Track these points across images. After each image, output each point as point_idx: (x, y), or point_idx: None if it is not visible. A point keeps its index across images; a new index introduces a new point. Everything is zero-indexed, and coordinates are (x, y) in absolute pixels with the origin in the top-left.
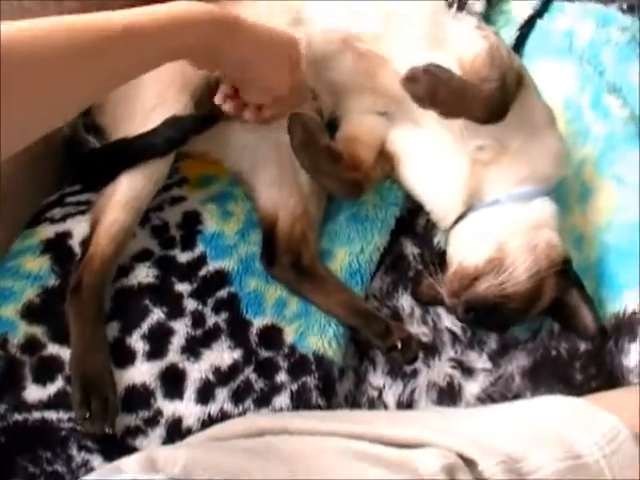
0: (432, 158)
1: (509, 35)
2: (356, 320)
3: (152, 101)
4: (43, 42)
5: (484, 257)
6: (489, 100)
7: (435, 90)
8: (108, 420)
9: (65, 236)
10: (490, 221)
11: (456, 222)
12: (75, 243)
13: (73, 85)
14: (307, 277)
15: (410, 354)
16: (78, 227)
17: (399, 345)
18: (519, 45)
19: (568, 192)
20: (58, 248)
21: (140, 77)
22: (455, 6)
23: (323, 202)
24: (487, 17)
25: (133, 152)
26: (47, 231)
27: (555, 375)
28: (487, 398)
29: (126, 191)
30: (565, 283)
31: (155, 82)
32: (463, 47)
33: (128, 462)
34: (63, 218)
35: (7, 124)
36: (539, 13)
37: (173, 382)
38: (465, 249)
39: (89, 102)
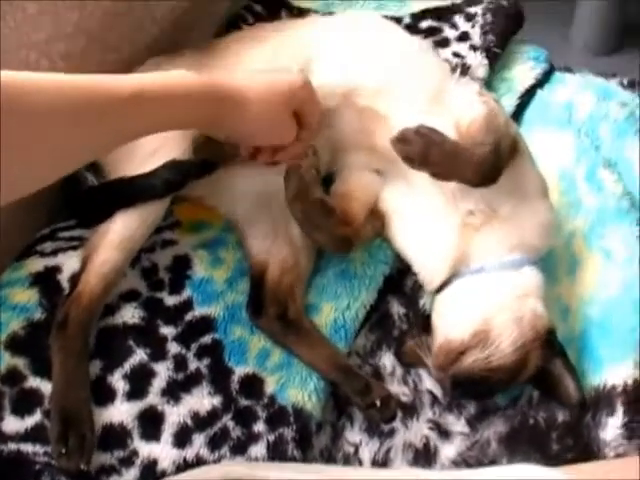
0: (422, 220)
1: (509, 103)
2: (337, 375)
3: (153, 144)
4: (49, 97)
5: (469, 331)
6: (481, 164)
7: (427, 152)
8: (84, 457)
9: (54, 270)
10: (475, 290)
11: (442, 287)
12: (64, 278)
13: (75, 143)
14: (292, 329)
15: (388, 413)
16: (68, 262)
17: (378, 403)
18: (518, 113)
19: (557, 262)
20: (47, 282)
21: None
22: (458, 70)
23: (313, 256)
24: (489, 83)
25: (131, 192)
26: (37, 264)
27: (532, 443)
28: (462, 462)
29: (120, 231)
30: (549, 353)
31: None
32: (462, 110)
33: None
34: (54, 252)
35: (5, 173)
36: (540, 83)
37: (151, 424)
38: (450, 320)
39: (89, 160)
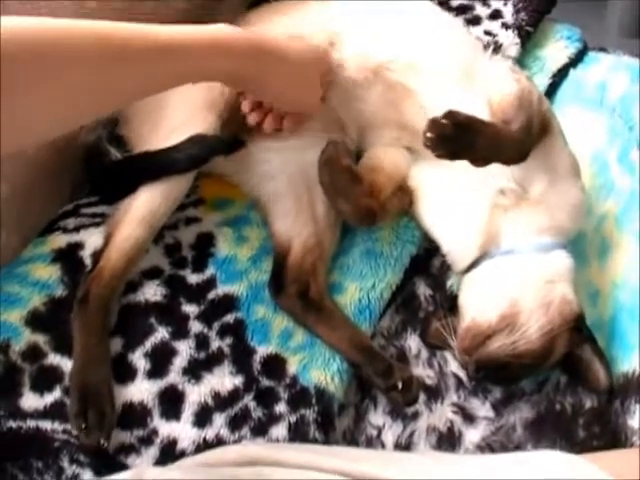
0: (452, 198)
1: (541, 82)
2: (358, 357)
3: (178, 118)
4: (74, 42)
5: (497, 313)
6: (513, 142)
7: (468, 144)
8: (104, 433)
9: (77, 247)
10: (505, 272)
11: (470, 267)
12: (86, 255)
13: (100, 88)
14: (313, 309)
15: (410, 396)
16: (90, 239)
17: (399, 386)
18: (551, 93)
19: (587, 246)
20: (69, 258)
21: (169, 93)
22: (491, 48)
23: (337, 236)
24: (521, 62)
25: (154, 166)
26: (59, 240)
27: (558, 430)
28: (487, 447)
29: (143, 207)
30: (577, 338)
31: (183, 99)
32: (494, 87)
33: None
34: (76, 228)
35: (20, 114)
36: (573, 62)
37: (171, 403)
38: (478, 302)
39: (112, 108)
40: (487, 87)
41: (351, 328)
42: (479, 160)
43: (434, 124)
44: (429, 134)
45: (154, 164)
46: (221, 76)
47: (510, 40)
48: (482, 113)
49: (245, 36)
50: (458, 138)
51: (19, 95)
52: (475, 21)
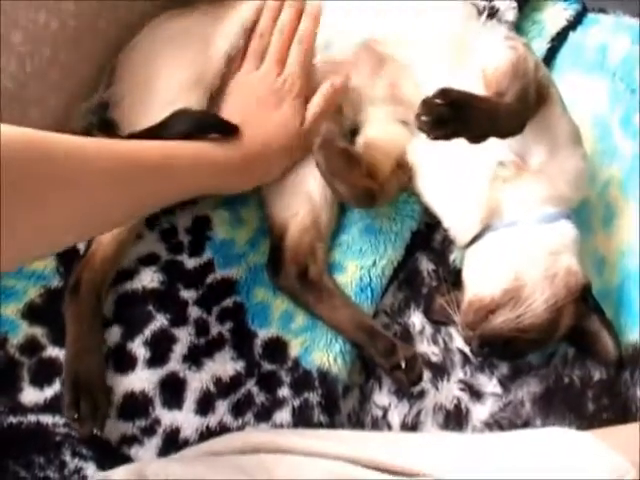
0: (451, 171)
1: (540, 46)
2: (360, 336)
3: (169, 96)
4: (76, 163)
5: (501, 287)
6: (509, 114)
7: (464, 124)
8: (97, 423)
9: None
10: (508, 244)
11: (473, 240)
12: (82, 245)
13: (104, 207)
14: (313, 290)
15: (413, 375)
16: None
17: (403, 365)
18: (550, 57)
19: (591, 213)
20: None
21: (156, 74)
22: (485, 14)
23: (335, 215)
24: (519, 27)
25: None
26: None
27: (566, 403)
28: (495, 424)
29: None
30: (584, 310)
31: (169, 79)
32: (488, 57)
33: (117, 474)
34: None
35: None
36: (572, 25)
37: (173, 391)
38: (481, 276)
39: (112, 226)
40: (481, 57)
41: (352, 308)
42: (476, 137)
43: (428, 106)
44: (424, 117)
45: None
46: (219, 190)
47: (507, 4)
48: (476, 84)
49: (225, 154)
50: (452, 117)
51: (24, 208)
52: None
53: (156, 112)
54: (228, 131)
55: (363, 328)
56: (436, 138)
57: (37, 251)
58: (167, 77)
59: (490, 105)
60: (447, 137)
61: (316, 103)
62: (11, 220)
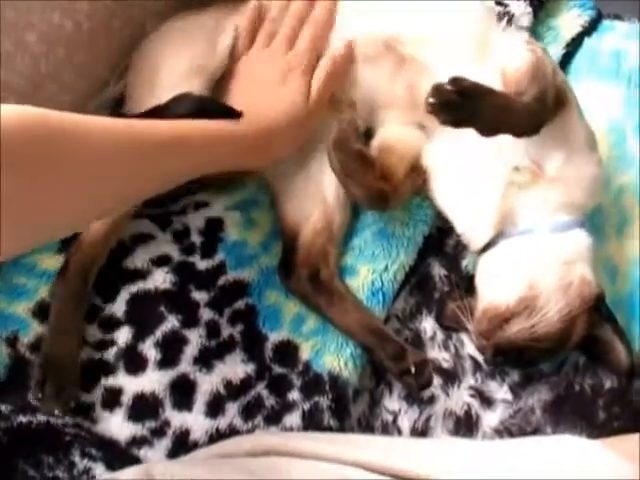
0: (466, 176)
1: (555, 52)
2: (370, 340)
3: (172, 79)
4: (94, 142)
5: (515, 296)
6: (525, 113)
7: (473, 110)
8: (59, 405)
9: None
10: (522, 252)
11: (486, 247)
12: None
13: (113, 183)
14: (324, 293)
15: (423, 380)
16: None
17: (412, 369)
18: (565, 63)
19: (605, 220)
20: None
21: (163, 62)
22: (505, 19)
23: (348, 217)
24: (534, 32)
25: None
26: None
27: (577, 412)
28: (505, 430)
29: None
30: (597, 319)
31: (173, 61)
32: (508, 59)
33: (125, 475)
34: None
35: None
36: (587, 31)
37: (183, 393)
38: (496, 284)
39: (125, 205)
40: (501, 59)
41: (363, 311)
42: (486, 129)
43: (437, 90)
44: (431, 99)
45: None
46: (222, 166)
47: (522, 10)
48: (496, 85)
49: (241, 130)
50: (462, 104)
51: (33, 183)
52: None
53: (160, 98)
54: (230, 115)
55: (373, 332)
56: (444, 123)
57: (47, 233)
58: (172, 65)
59: (502, 99)
60: (455, 123)
61: (319, 77)
62: (16, 200)
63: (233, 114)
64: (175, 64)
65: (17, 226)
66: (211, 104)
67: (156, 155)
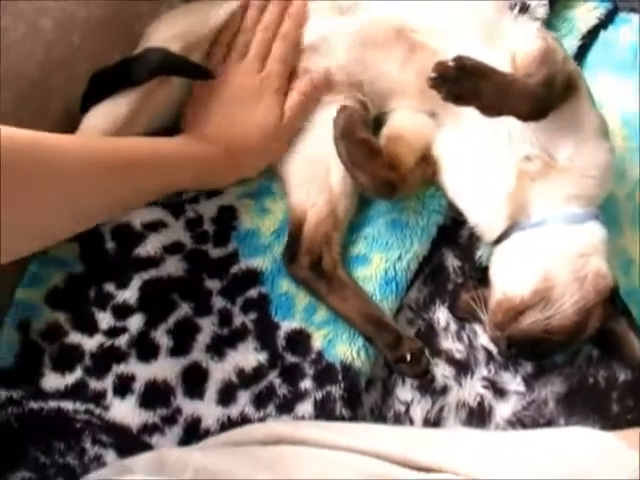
0: (477, 166)
1: (571, 44)
2: (368, 328)
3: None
4: (73, 161)
5: (530, 288)
6: (532, 95)
7: (473, 86)
8: None
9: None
10: (537, 244)
11: (500, 238)
12: (107, 230)
13: (85, 200)
14: (325, 280)
15: (418, 368)
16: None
17: (408, 357)
18: (581, 56)
19: (621, 213)
20: (88, 235)
21: (156, 32)
22: (517, 8)
23: (353, 206)
24: (549, 24)
25: (113, 75)
26: None
27: (590, 404)
28: (517, 422)
29: (92, 125)
30: (611, 312)
31: (163, 30)
32: (518, 46)
33: (137, 462)
34: None
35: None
36: (603, 24)
37: (195, 381)
38: (510, 275)
39: (94, 222)
40: (512, 46)
41: (362, 299)
42: (487, 108)
43: (440, 65)
44: (432, 74)
45: (114, 73)
46: (182, 187)
47: (538, 1)
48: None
49: (204, 149)
50: (462, 80)
51: (18, 201)
52: None
53: None
54: (199, 75)
55: (371, 320)
56: (445, 98)
57: (21, 249)
58: (161, 32)
59: (505, 78)
60: (455, 99)
61: (292, 98)
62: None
63: (203, 73)
64: (163, 32)
65: None
66: (180, 61)
67: (129, 173)
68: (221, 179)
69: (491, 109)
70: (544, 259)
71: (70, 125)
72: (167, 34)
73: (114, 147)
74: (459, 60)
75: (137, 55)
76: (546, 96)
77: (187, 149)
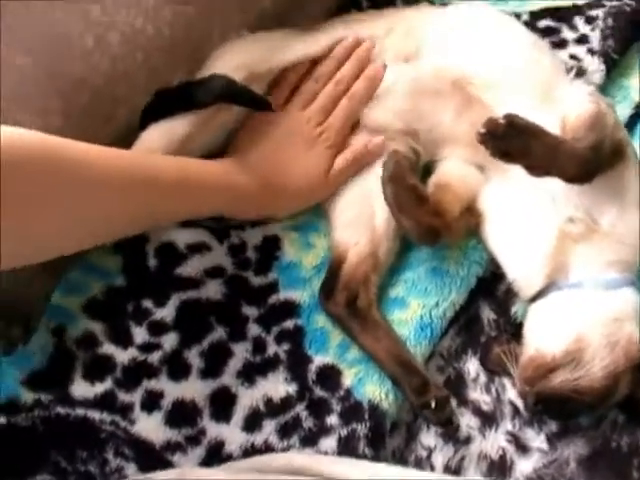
0: (520, 223)
1: (624, 112)
2: (396, 370)
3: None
4: (94, 171)
5: (562, 347)
6: (579, 158)
7: (522, 144)
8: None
9: (143, 240)
10: (572, 305)
11: (537, 296)
12: (151, 248)
13: (105, 214)
14: (359, 318)
15: (442, 416)
16: (157, 233)
17: (433, 404)
18: (632, 124)
19: None
20: (132, 249)
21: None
22: (574, 72)
23: (395, 248)
24: (604, 90)
25: (177, 97)
26: None
27: (612, 468)
28: (537, 479)
29: (141, 145)
30: None
31: (228, 59)
32: (570, 108)
33: (159, 477)
34: None
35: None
36: None
37: (222, 405)
38: (543, 333)
39: (114, 238)
40: (564, 108)
41: (393, 341)
42: (534, 167)
43: (490, 121)
44: (482, 130)
45: (176, 94)
46: (221, 211)
47: (595, 66)
48: (555, 132)
49: (244, 178)
50: (510, 138)
51: (31, 208)
52: (561, 44)
53: None
54: (260, 106)
55: (400, 362)
56: (492, 154)
57: (28, 255)
58: (225, 60)
59: (554, 140)
60: (503, 156)
61: (345, 158)
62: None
63: (263, 105)
64: (229, 59)
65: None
66: (243, 90)
67: (157, 196)
68: (248, 212)
69: (538, 169)
70: (578, 321)
71: (135, 135)
72: (232, 61)
73: (146, 167)
74: (509, 118)
75: (201, 80)
76: (593, 160)
77: (222, 174)
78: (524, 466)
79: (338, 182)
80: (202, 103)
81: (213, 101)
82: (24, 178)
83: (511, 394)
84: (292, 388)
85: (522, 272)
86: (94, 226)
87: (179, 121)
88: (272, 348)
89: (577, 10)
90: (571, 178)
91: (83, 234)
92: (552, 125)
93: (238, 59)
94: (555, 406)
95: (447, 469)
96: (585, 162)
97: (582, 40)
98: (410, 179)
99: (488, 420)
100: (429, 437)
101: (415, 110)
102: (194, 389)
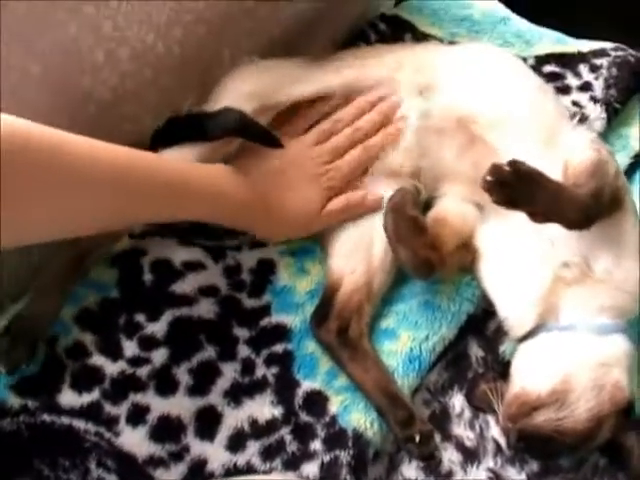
0: (515, 263)
1: (622, 161)
2: (382, 401)
3: (228, 101)
4: (86, 164)
5: (548, 386)
6: (580, 204)
7: (526, 192)
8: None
9: (139, 253)
10: (561, 347)
11: (527, 336)
12: (146, 262)
13: (91, 207)
14: (349, 348)
15: (425, 450)
16: (155, 247)
17: (417, 438)
18: (631, 173)
19: None
20: (129, 263)
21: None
22: (577, 118)
23: (390, 280)
24: (604, 138)
25: (187, 126)
26: (123, 244)
27: None
28: None
29: None
30: (624, 425)
31: (240, 86)
32: (573, 154)
33: None
34: (142, 235)
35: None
36: None
37: (208, 423)
38: (531, 372)
39: (100, 231)
40: (566, 153)
41: (382, 372)
42: (538, 214)
43: (495, 169)
44: (488, 177)
45: (188, 123)
46: (225, 222)
47: (597, 114)
48: (556, 177)
49: (245, 190)
50: (517, 186)
51: (23, 195)
52: (565, 90)
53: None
54: (270, 144)
55: (387, 394)
56: (497, 202)
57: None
58: (237, 86)
59: (557, 188)
60: (507, 203)
61: (339, 201)
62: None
63: (274, 142)
64: (240, 87)
65: None
66: (254, 126)
67: (153, 195)
68: (243, 224)
69: (540, 216)
70: (566, 362)
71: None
72: (244, 89)
73: (147, 165)
74: (514, 165)
75: (214, 113)
76: (593, 207)
77: (224, 185)
78: None
79: (325, 223)
80: (212, 136)
81: (224, 135)
82: (22, 165)
83: (494, 431)
84: (278, 411)
85: (514, 311)
86: (81, 218)
87: (188, 150)
88: (261, 370)
89: (582, 57)
90: (571, 224)
91: (68, 225)
92: (554, 169)
93: (249, 87)
94: (537, 445)
95: None
96: (586, 208)
97: (585, 87)
98: (411, 211)
99: (470, 456)
100: (410, 469)
101: (420, 146)
102: (180, 406)
